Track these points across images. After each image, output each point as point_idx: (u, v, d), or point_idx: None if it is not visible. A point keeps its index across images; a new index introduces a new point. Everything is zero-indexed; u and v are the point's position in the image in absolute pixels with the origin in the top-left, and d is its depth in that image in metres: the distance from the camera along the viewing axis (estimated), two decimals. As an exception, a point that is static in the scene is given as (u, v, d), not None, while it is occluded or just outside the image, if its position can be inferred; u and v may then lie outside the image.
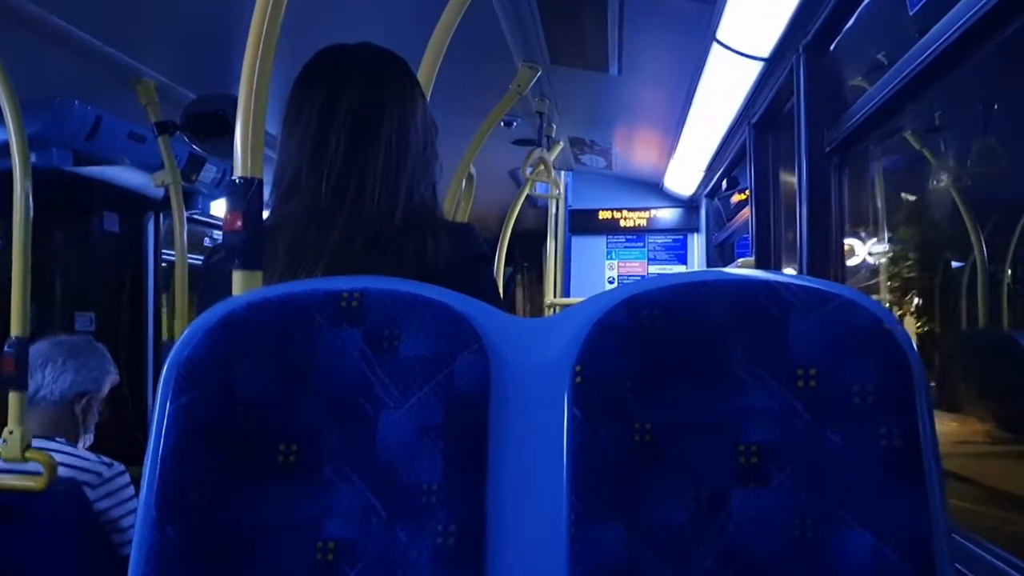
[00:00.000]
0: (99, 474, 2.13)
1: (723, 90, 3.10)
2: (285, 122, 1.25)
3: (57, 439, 2.21)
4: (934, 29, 1.52)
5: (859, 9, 1.93)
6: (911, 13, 1.61)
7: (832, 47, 2.16)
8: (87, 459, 2.17)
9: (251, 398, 0.80)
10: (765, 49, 2.58)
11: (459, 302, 0.84)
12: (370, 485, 0.79)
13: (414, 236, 1.17)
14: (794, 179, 2.41)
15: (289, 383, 0.81)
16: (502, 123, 3.41)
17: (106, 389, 2.40)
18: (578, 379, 0.78)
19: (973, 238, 2.35)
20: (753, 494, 0.75)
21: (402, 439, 0.79)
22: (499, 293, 1.44)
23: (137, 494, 0.79)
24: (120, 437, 3.66)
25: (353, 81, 1.24)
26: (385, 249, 1.15)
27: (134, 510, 2.17)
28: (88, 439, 2.36)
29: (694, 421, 0.77)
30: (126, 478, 2.19)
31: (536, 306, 7.60)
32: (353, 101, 1.22)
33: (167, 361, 0.81)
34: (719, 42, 2.60)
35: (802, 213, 2.29)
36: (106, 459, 2.19)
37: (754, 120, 3.07)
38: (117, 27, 2.42)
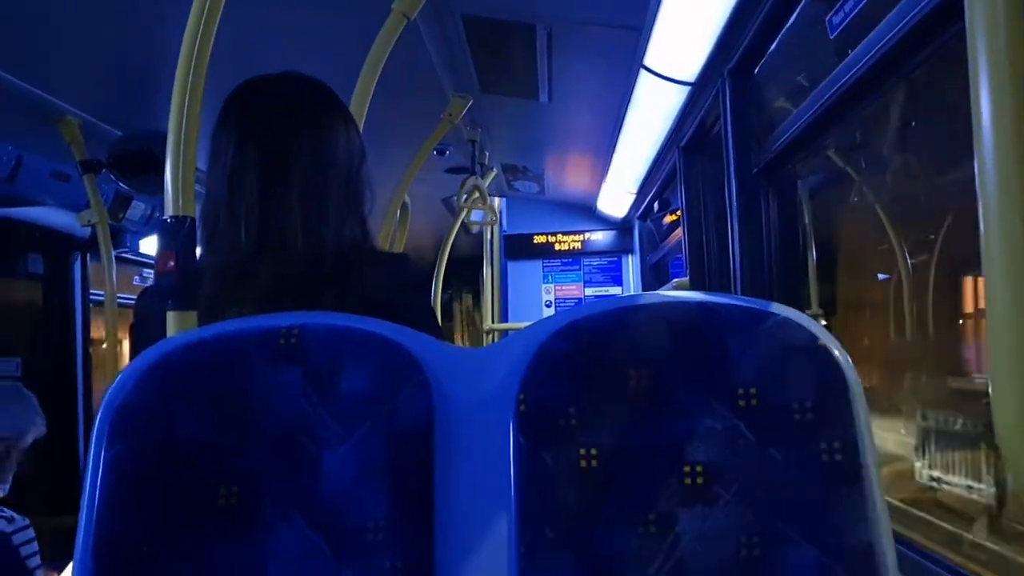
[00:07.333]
0: None
1: (652, 114, 3.15)
2: (208, 162, 1.19)
3: None
4: (854, 52, 1.57)
5: (781, 34, 1.98)
6: (831, 36, 1.66)
7: (756, 71, 2.21)
8: None
9: (188, 442, 0.78)
10: (691, 74, 2.63)
11: (399, 334, 0.84)
12: (314, 525, 0.77)
13: (348, 271, 1.14)
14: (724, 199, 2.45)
15: (227, 425, 0.79)
16: (435, 152, 3.42)
17: (28, 440, 2.30)
18: (522, 407, 0.78)
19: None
20: (700, 515, 0.75)
21: (346, 477, 0.78)
22: (437, 321, 1.42)
23: (69, 544, 0.75)
24: (50, 485, 3.54)
25: (265, 117, 1.18)
26: (315, 293, 1.10)
27: (37, 567, 2.10)
28: (3, 489, 2.25)
29: (638, 444, 0.77)
30: (28, 534, 2.10)
31: (475, 331, 7.61)
32: (264, 139, 1.16)
33: (100, 408, 0.79)
34: (647, 68, 2.64)
35: (734, 233, 2.33)
36: (7, 513, 2.09)
37: (683, 143, 3.12)
38: (37, 65, 2.37)
